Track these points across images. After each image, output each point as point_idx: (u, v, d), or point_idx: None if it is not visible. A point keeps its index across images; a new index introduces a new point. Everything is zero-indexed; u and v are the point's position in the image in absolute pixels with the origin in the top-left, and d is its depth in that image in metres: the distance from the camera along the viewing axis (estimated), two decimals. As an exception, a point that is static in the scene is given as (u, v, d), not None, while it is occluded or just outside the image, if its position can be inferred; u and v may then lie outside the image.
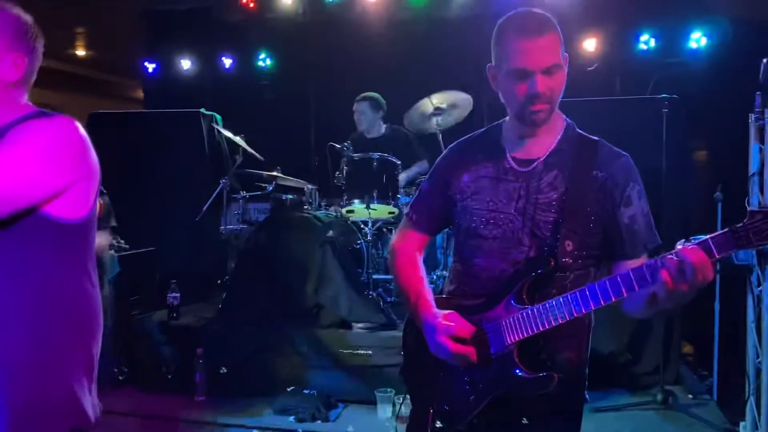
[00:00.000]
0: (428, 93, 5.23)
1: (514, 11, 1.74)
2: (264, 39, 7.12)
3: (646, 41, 6.10)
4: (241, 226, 5.45)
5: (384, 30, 6.63)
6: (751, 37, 5.45)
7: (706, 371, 4.67)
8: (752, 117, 3.56)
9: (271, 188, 5.42)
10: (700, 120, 5.29)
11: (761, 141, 3.49)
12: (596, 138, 1.84)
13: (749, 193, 3.55)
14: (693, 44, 5.89)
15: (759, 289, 3.51)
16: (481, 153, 1.87)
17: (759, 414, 3.46)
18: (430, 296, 1.84)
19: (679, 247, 1.48)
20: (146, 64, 7.58)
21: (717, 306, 4.28)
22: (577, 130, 1.85)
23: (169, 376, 4.51)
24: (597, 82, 6.06)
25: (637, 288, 1.54)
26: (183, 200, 5.69)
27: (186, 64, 7.42)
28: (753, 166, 3.55)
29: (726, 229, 1.47)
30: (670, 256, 1.49)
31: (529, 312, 1.66)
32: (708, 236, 1.48)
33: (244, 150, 5.46)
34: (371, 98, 5.49)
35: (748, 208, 1.47)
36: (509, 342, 1.69)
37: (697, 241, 1.48)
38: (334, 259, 4.54)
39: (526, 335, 1.66)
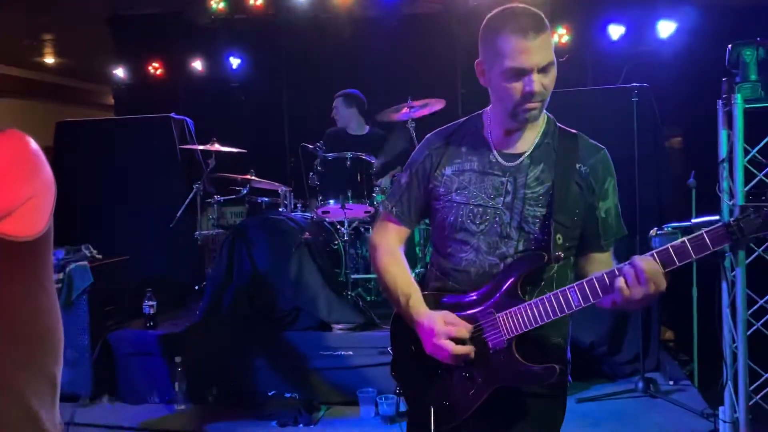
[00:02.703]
0: (402, 91, 5.22)
1: (506, 8, 1.73)
2: (234, 41, 7.05)
3: (616, 31, 6.12)
4: (216, 230, 5.40)
5: (355, 29, 6.61)
6: (720, 23, 5.50)
7: (687, 356, 4.71)
8: (720, 103, 3.59)
9: (245, 191, 5.38)
10: (671, 107, 5.33)
11: (729, 127, 3.51)
12: (575, 131, 1.87)
13: (719, 179, 3.57)
14: (662, 32, 5.92)
15: (732, 274, 3.53)
16: (465, 146, 1.86)
17: (736, 398, 3.49)
18: (419, 295, 1.83)
19: (636, 257, 1.58)
20: (115, 69, 7.48)
21: (695, 291, 4.32)
22: (557, 123, 1.88)
23: (148, 385, 4.45)
24: (568, 73, 6.06)
25: (608, 290, 1.63)
26: (156, 207, 5.63)
27: (156, 68, 7.34)
28: (722, 152, 3.58)
29: (720, 224, 1.54)
30: (627, 266, 1.58)
31: (526, 307, 1.69)
32: (703, 231, 1.55)
33: (217, 154, 5.41)
34: (345, 94, 5.49)
35: (739, 205, 1.54)
36: (508, 337, 1.71)
37: (691, 237, 1.56)
38: (311, 260, 4.51)
39: (524, 330, 1.69)
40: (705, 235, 1.54)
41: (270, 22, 6.90)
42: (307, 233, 4.59)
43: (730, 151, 3.50)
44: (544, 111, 1.83)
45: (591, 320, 4.40)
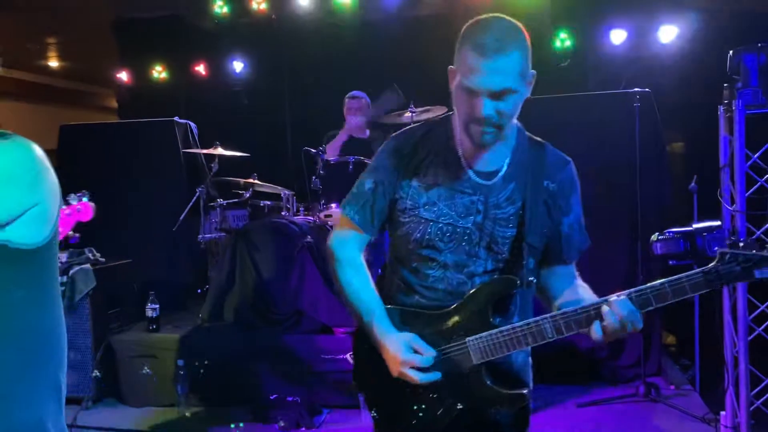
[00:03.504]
0: (403, 92, 5.23)
1: (483, 18, 1.64)
2: (237, 45, 7.07)
3: (618, 36, 6.13)
4: (219, 234, 5.41)
5: (358, 33, 6.62)
6: (722, 28, 5.51)
7: (688, 360, 4.71)
8: (721, 109, 3.60)
9: (248, 195, 5.39)
10: (673, 112, 5.33)
11: (730, 132, 3.52)
12: (542, 141, 1.81)
13: (720, 184, 3.58)
14: (664, 37, 5.93)
15: (734, 279, 3.53)
16: (434, 156, 1.75)
17: (738, 403, 3.50)
18: (383, 312, 1.74)
19: (612, 297, 1.57)
20: (119, 73, 7.51)
21: (696, 296, 4.32)
22: (526, 133, 1.81)
23: (151, 388, 4.46)
24: (570, 78, 6.09)
25: (583, 328, 1.61)
26: (159, 210, 5.65)
27: (159, 72, 7.36)
28: (723, 158, 3.59)
29: (699, 272, 1.55)
30: (607, 311, 1.56)
31: (497, 334, 1.65)
32: (683, 277, 1.55)
33: (220, 157, 5.42)
34: (364, 96, 5.47)
35: (718, 250, 1.54)
36: (477, 362, 1.67)
37: (671, 280, 1.55)
38: (313, 264, 4.52)
39: (493, 357, 1.66)
40: (685, 282, 1.54)
41: (273, 26, 6.92)
42: (309, 237, 4.61)
43: (732, 157, 3.51)
44: (515, 122, 1.76)
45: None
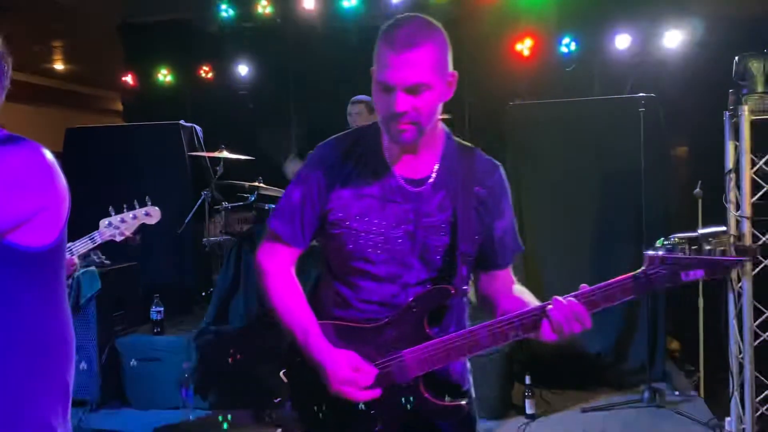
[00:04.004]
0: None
1: (399, 16, 1.63)
2: (242, 49, 7.09)
3: (623, 40, 6.14)
4: (224, 237, 5.42)
5: (363, 37, 6.64)
6: (726, 34, 5.51)
7: (693, 366, 4.71)
8: (726, 114, 3.60)
9: (253, 198, 5.40)
10: (678, 118, 5.33)
11: (736, 138, 3.52)
12: (472, 146, 1.78)
13: (725, 190, 3.58)
14: (669, 43, 5.94)
15: (738, 285, 3.54)
16: (364, 165, 1.70)
17: (743, 409, 3.49)
18: (318, 329, 1.67)
19: (559, 299, 1.55)
20: (124, 76, 7.53)
21: (701, 302, 4.31)
22: (454, 138, 1.77)
23: (155, 391, 4.46)
24: (575, 82, 6.10)
25: (524, 334, 1.60)
26: (164, 213, 5.60)
27: (164, 75, 7.39)
28: (728, 163, 3.59)
29: (629, 275, 1.55)
30: (550, 308, 1.54)
31: (434, 346, 1.61)
32: (615, 281, 1.55)
33: (225, 161, 5.44)
34: (368, 101, 5.47)
35: (646, 253, 1.55)
36: (415, 375, 1.63)
37: (601, 286, 1.56)
38: (318, 267, 4.52)
39: (431, 369, 1.62)
40: (617, 287, 1.55)
41: (278, 30, 6.94)
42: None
43: (737, 162, 3.51)
44: (443, 127, 1.74)
45: (597, 329, 4.39)
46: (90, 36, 8.29)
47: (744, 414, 3.48)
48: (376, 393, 1.61)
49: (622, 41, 6.05)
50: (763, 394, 3.58)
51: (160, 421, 4.25)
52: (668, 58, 5.94)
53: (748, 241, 3.43)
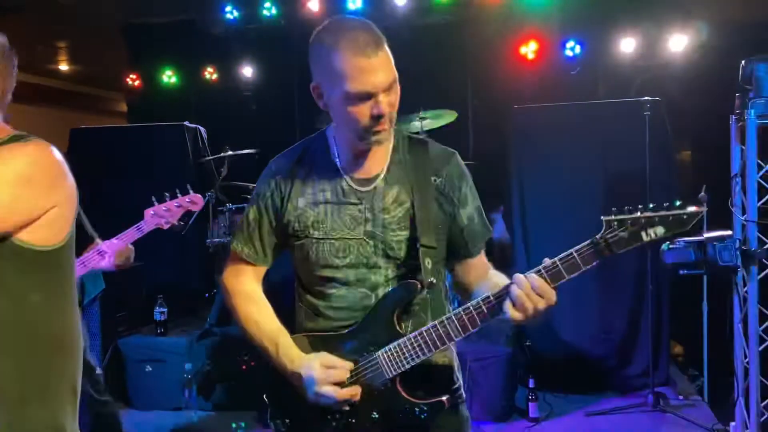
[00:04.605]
0: (412, 99, 5.22)
1: (334, 21, 1.61)
2: (247, 50, 7.10)
3: (628, 44, 6.13)
4: (227, 238, 5.41)
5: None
6: (732, 38, 5.50)
7: (696, 371, 4.69)
8: (733, 118, 3.59)
9: (257, 200, 5.40)
10: (683, 121, 5.32)
11: (742, 142, 3.51)
12: (425, 138, 1.80)
13: (732, 194, 3.57)
14: (674, 47, 5.93)
15: (744, 289, 3.52)
16: (314, 173, 1.71)
17: (748, 414, 3.47)
18: (289, 339, 1.68)
19: (519, 276, 1.52)
20: (129, 77, 7.54)
21: (705, 306, 4.30)
22: (405, 133, 1.77)
23: (158, 392, 4.46)
24: (580, 86, 6.09)
25: (492, 317, 1.57)
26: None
27: (169, 76, 7.40)
28: (735, 167, 3.58)
29: (588, 242, 1.50)
30: (512, 287, 1.51)
31: (405, 342, 1.60)
32: (573, 250, 1.51)
33: (230, 162, 5.44)
34: None
35: (603, 218, 1.50)
36: (391, 375, 1.61)
37: (562, 257, 1.51)
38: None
39: (406, 367, 1.60)
40: (575, 255, 1.50)
41: (283, 32, 6.95)
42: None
43: (743, 167, 3.50)
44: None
45: (601, 333, 4.40)
46: (94, 37, 8.30)
47: (749, 419, 3.47)
48: (356, 390, 1.60)
49: (627, 45, 6.04)
50: (768, 399, 3.57)
51: (162, 422, 4.25)
52: (673, 61, 5.94)
53: (754, 245, 3.42)
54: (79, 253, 2.94)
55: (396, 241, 1.66)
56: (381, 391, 1.62)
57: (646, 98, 4.37)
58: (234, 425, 4.06)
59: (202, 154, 5.97)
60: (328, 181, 1.69)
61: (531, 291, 1.49)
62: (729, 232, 3.53)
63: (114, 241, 2.79)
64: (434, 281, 1.64)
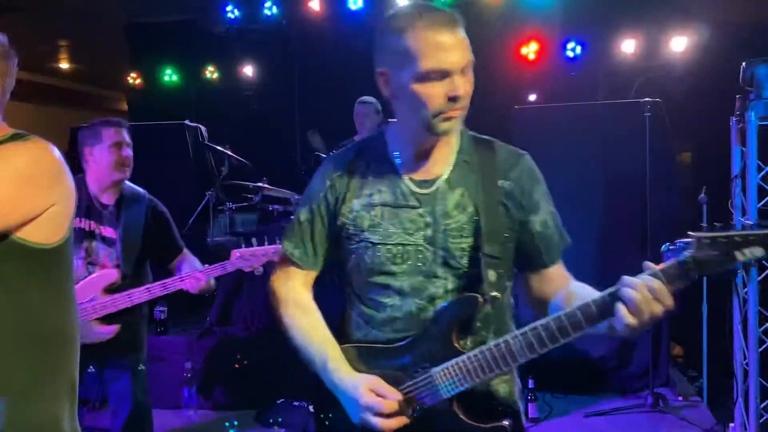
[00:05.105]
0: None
1: (408, 6, 1.50)
2: (248, 50, 7.11)
3: (629, 45, 6.14)
4: (228, 237, 5.42)
5: (368, 38, 6.64)
6: (732, 39, 5.50)
7: (696, 372, 4.69)
8: (733, 120, 3.59)
9: (257, 199, 5.41)
10: (683, 123, 5.33)
11: (743, 144, 3.52)
12: (489, 138, 1.66)
13: (732, 196, 3.57)
14: (675, 48, 5.93)
15: (744, 291, 3.53)
16: (371, 173, 1.60)
17: (747, 415, 3.48)
18: (338, 353, 1.56)
19: (630, 278, 1.37)
20: (130, 76, 7.55)
21: (705, 307, 4.30)
22: (470, 132, 1.64)
23: (157, 391, 4.46)
24: (580, 87, 6.10)
25: (589, 327, 1.41)
26: (169, 213, 5.66)
27: (170, 75, 7.41)
28: (735, 169, 3.58)
29: (674, 261, 1.36)
30: (625, 289, 1.35)
31: (465, 361, 1.45)
32: (658, 268, 1.37)
33: (230, 161, 5.45)
34: (374, 102, 5.47)
35: (691, 235, 1.35)
36: (447, 395, 1.47)
37: (650, 272, 1.37)
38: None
39: (464, 387, 1.46)
40: (662, 276, 1.35)
41: (284, 32, 6.96)
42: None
43: (744, 168, 3.51)
44: None
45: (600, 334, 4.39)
46: (95, 36, 8.32)
47: (748, 420, 3.47)
48: (403, 420, 1.47)
49: (628, 45, 6.05)
50: (768, 401, 3.57)
51: (162, 421, 4.23)
52: (674, 62, 5.94)
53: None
54: (168, 263, 3.05)
55: (458, 249, 1.53)
56: (436, 411, 1.48)
57: (647, 99, 4.37)
58: (227, 424, 4.06)
59: (203, 152, 5.97)
60: (386, 182, 1.58)
61: (648, 294, 1.34)
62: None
63: (198, 274, 2.87)
64: (498, 296, 1.51)
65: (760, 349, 3.50)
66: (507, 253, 1.57)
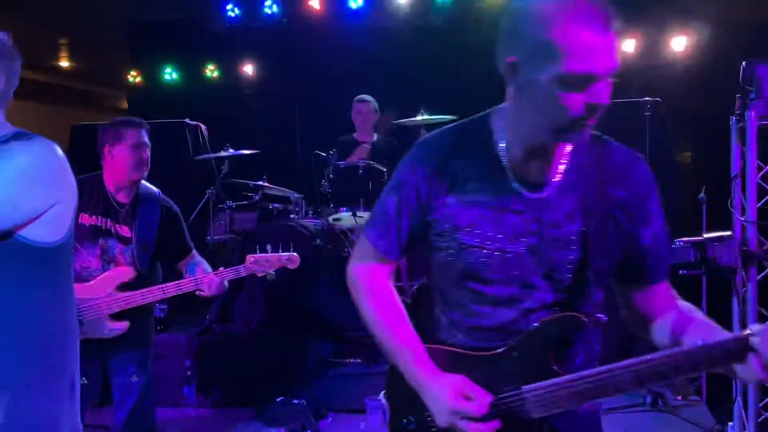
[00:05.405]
0: (413, 98, 5.25)
1: None
2: (248, 48, 7.11)
3: (629, 45, 6.14)
4: (227, 236, 5.42)
5: (367, 37, 6.65)
6: (732, 39, 5.51)
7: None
8: (733, 119, 3.59)
9: (257, 198, 5.41)
10: (683, 122, 5.33)
11: (742, 143, 3.52)
12: (605, 137, 1.49)
13: (732, 195, 3.57)
14: (675, 48, 5.94)
15: (743, 290, 3.53)
16: (471, 168, 1.42)
17: (746, 415, 3.48)
18: (423, 352, 1.45)
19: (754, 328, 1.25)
20: (130, 74, 7.56)
21: (704, 306, 4.30)
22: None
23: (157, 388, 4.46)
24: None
25: (707, 369, 1.32)
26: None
27: (170, 74, 7.41)
28: (735, 168, 3.58)
29: None
30: (757, 339, 1.22)
31: (561, 386, 1.32)
32: None
33: (230, 160, 5.45)
34: (372, 101, 5.48)
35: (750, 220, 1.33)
36: (536, 416, 1.36)
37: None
38: (322, 267, 4.53)
39: (558, 411, 1.34)
40: None
41: (284, 30, 6.96)
42: (318, 240, 4.62)
43: (743, 167, 3.51)
44: None
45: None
46: (96, 34, 8.31)
47: (747, 419, 3.47)
48: (494, 426, 1.35)
49: (628, 45, 6.05)
50: (766, 400, 3.57)
51: (162, 419, 4.24)
52: (674, 62, 5.94)
53: (753, 246, 3.43)
54: (177, 263, 3.08)
55: (562, 261, 1.39)
56: (524, 427, 1.37)
57: (647, 99, 4.38)
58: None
59: (203, 151, 5.98)
60: (490, 179, 1.41)
61: None
62: (728, 233, 3.54)
63: (212, 276, 2.90)
64: (604, 319, 1.41)
65: (759, 349, 3.50)
66: (612, 270, 1.44)
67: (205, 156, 5.76)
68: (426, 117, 5.10)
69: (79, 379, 1.59)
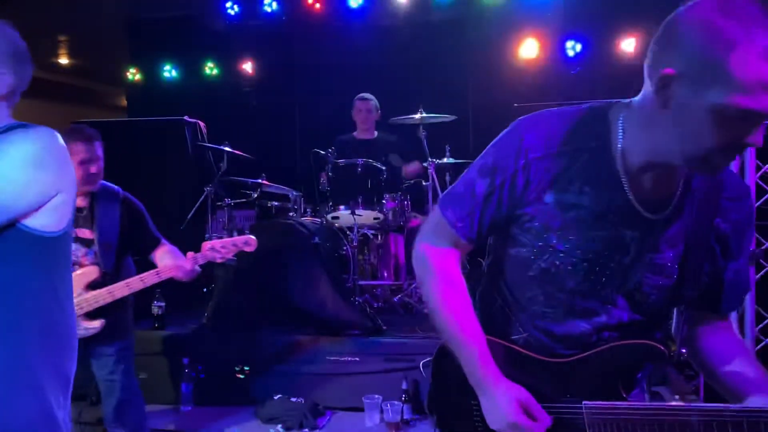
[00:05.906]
0: (412, 97, 5.24)
1: (741, 3, 1.10)
2: (248, 46, 7.11)
3: (629, 44, 6.14)
4: (226, 234, 5.42)
5: (367, 35, 6.65)
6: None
7: (693, 371, 4.70)
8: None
9: (256, 195, 5.41)
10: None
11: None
12: None
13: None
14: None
15: (742, 289, 3.53)
16: (580, 165, 1.30)
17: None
18: (488, 351, 1.38)
19: None
20: (129, 71, 7.55)
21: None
22: None
23: (154, 386, 4.46)
24: (580, 85, 6.10)
25: None
26: (167, 209, 5.65)
27: (169, 71, 7.40)
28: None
29: None
30: None
31: (625, 410, 1.26)
32: None
33: (229, 157, 5.44)
34: (373, 99, 5.49)
35: None
36: None
37: None
38: (320, 265, 4.52)
39: None
40: None
41: (284, 28, 6.96)
42: (316, 238, 4.61)
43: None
44: None
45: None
46: (95, 31, 8.30)
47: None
48: None
49: (628, 44, 6.05)
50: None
51: (158, 416, 4.24)
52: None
53: (753, 246, 3.42)
54: (147, 255, 3.18)
55: (651, 285, 1.33)
56: None
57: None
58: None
59: (202, 148, 5.97)
60: (598, 184, 1.29)
61: None
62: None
63: (172, 268, 3.04)
64: (686, 355, 1.39)
65: (758, 348, 3.51)
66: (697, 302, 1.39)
67: (204, 144, 5.74)
68: (425, 115, 5.10)
69: (73, 375, 1.59)
